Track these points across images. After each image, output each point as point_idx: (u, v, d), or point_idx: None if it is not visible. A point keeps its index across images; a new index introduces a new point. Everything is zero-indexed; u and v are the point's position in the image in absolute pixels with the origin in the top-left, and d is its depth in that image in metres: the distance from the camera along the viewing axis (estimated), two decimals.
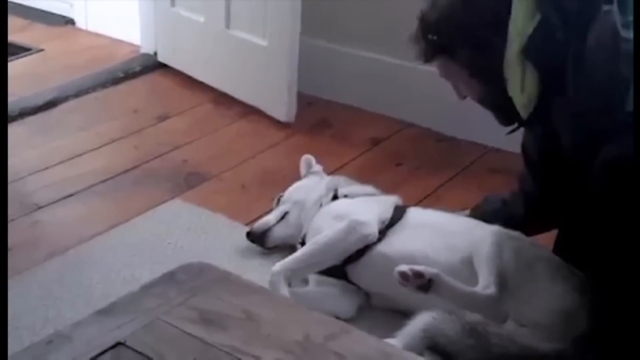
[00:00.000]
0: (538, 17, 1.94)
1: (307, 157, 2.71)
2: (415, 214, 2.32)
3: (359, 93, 3.46)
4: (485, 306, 1.95)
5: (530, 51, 1.95)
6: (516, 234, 2.13)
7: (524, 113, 2.04)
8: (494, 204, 2.44)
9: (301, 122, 3.34)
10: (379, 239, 2.23)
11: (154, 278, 1.70)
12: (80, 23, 4.31)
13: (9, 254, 2.44)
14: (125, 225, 2.63)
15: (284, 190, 2.61)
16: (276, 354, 1.43)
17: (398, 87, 3.33)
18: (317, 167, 2.68)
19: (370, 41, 3.39)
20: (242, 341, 1.46)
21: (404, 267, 1.95)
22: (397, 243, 2.20)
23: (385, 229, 2.25)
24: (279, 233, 2.50)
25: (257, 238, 2.50)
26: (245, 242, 2.54)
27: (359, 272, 2.25)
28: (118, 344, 1.45)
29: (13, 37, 4.10)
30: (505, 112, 2.13)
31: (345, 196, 2.44)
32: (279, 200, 2.58)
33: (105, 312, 1.54)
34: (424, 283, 1.94)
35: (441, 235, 2.18)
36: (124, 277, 2.37)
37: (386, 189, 2.58)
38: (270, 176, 2.99)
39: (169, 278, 1.64)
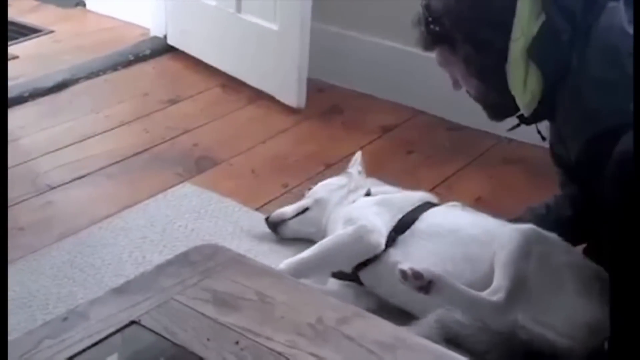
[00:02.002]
0: (543, 17, 1.93)
1: (359, 154, 2.62)
2: (435, 217, 2.20)
3: (370, 80, 3.46)
4: (489, 313, 1.87)
5: (534, 51, 1.94)
6: (551, 236, 2.02)
7: (526, 111, 2.04)
8: (538, 210, 2.34)
9: (311, 108, 3.34)
10: (393, 245, 2.15)
11: (165, 259, 1.72)
12: (90, 5, 4.32)
13: (22, 233, 2.49)
14: (136, 207, 2.64)
15: (292, 175, 2.61)
16: (288, 336, 1.44)
17: (410, 75, 3.33)
18: (355, 168, 2.57)
19: (382, 28, 3.39)
20: (255, 322, 1.47)
21: (404, 266, 1.90)
22: (413, 254, 2.09)
23: (396, 234, 2.16)
24: (294, 227, 2.47)
25: (272, 226, 2.49)
26: (255, 227, 2.56)
27: (372, 278, 2.17)
28: (133, 322, 1.46)
29: (23, 18, 4.13)
30: (498, 109, 2.13)
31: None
32: (309, 191, 2.53)
33: (121, 291, 1.56)
34: (423, 284, 1.88)
35: (461, 245, 2.07)
36: (135, 258, 2.39)
37: (396, 177, 2.59)
38: (280, 162, 2.99)
39: (183, 259, 1.66)
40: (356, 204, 2.32)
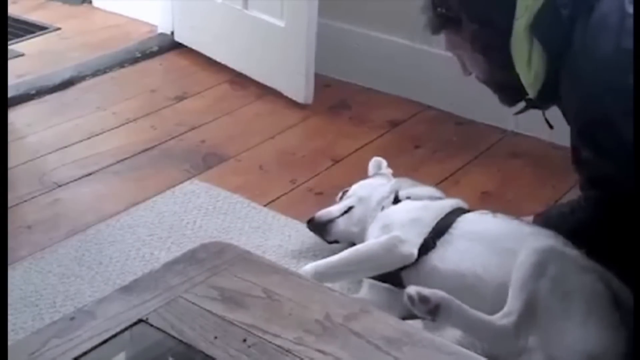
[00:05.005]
0: None
1: (377, 159, 2.61)
2: (472, 222, 2.16)
3: (378, 75, 3.45)
4: (498, 338, 1.83)
5: (537, 27, 1.94)
6: (571, 252, 1.96)
7: (531, 91, 2.03)
8: (563, 208, 2.31)
9: (319, 104, 3.33)
10: (433, 249, 2.11)
11: (173, 257, 1.72)
12: (97, 2, 4.31)
13: (29, 231, 2.49)
14: (144, 204, 2.63)
15: (300, 171, 2.59)
16: (296, 333, 1.43)
17: (417, 70, 3.33)
18: (386, 170, 2.57)
19: (389, 23, 3.38)
20: (262, 320, 1.47)
21: (411, 290, 1.85)
22: (450, 258, 2.07)
23: (435, 238, 2.13)
24: (342, 226, 2.38)
25: (319, 227, 2.40)
26: (264, 223, 2.55)
27: (413, 280, 2.09)
28: (140, 321, 1.46)
29: (29, 15, 4.14)
30: (508, 91, 2.12)
31: (408, 198, 2.32)
32: (343, 194, 2.48)
33: (128, 289, 1.56)
34: (430, 308, 1.82)
35: (496, 253, 2.02)
36: (143, 255, 2.38)
37: (404, 172, 2.57)
38: (288, 157, 2.99)
39: (191, 256, 1.66)
40: (395, 208, 2.29)
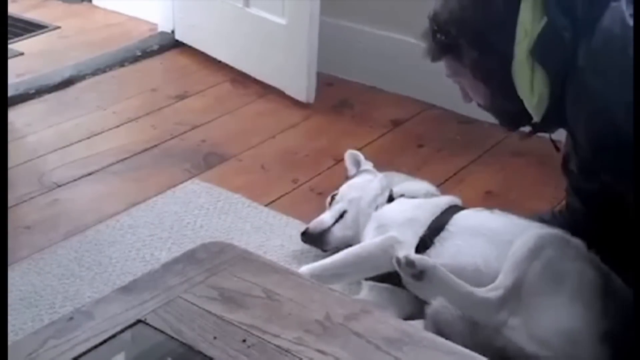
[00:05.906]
0: (545, 19, 1.92)
1: (352, 153, 2.59)
2: (468, 218, 2.17)
3: (380, 74, 3.44)
4: (480, 308, 1.88)
5: (539, 52, 1.93)
6: (573, 241, 1.98)
7: (536, 115, 2.02)
8: (542, 216, 2.33)
9: (321, 103, 3.32)
10: (430, 246, 2.11)
11: (173, 257, 1.70)
12: (97, 0, 4.30)
13: (29, 232, 2.48)
14: (144, 204, 2.62)
15: (301, 170, 2.58)
16: (296, 333, 1.42)
17: (420, 68, 3.27)
18: (367, 164, 2.55)
19: (392, 21, 3.37)
20: (262, 320, 1.45)
21: (400, 254, 1.92)
22: (448, 253, 2.08)
23: (431, 236, 2.13)
24: (338, 234, 2.36)
25: (314, 239, 2.37)
26: (265, 223, 2.54)
27: None
28: (139, 321, 1.45)
29: (29, 14, 4.13)
30: (509, 116, 2.11)
31: (402, 195, 2.31)
32: (332, 199, 2.45)
33: (127, 289, 1.55)
34: (414, 273, 1.90)
35: (493, 245, 2.04)
36: (143, 256, 2.37)
37: (407, 171, 2.56)
38: (290, 157, 2.97)
39: (190, 256, 1.65)
40: (389, 207, 2.28)
